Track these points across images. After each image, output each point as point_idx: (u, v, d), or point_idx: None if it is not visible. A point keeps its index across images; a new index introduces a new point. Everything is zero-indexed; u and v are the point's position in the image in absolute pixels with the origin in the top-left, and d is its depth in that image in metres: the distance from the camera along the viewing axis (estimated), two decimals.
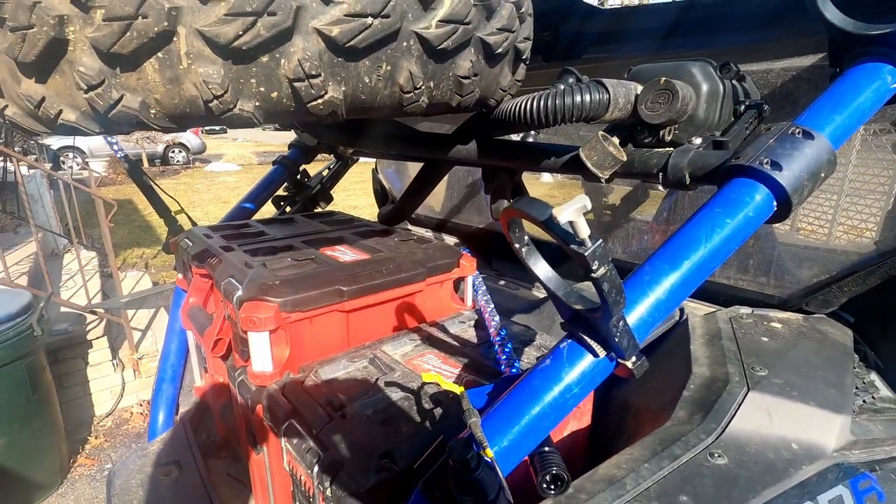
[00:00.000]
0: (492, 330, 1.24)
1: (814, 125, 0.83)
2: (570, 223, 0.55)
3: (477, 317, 1.44)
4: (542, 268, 0.79)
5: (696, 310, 1.48)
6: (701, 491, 0.85)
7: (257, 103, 0.74)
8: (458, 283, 1.56)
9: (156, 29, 0.65)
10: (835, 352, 1.17)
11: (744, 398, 1.01)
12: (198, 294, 1.57)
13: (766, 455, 0.93)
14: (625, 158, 1.00)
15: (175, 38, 0.67)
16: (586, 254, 0.57)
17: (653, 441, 0.97)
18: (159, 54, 0.68)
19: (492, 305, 1.39)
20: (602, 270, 0.58)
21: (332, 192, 2.47)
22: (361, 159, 2.49)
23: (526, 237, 0.78)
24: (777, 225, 1.42)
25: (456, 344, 1.27)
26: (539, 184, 3.66)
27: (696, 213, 0.82)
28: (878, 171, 1.14)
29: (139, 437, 3.88)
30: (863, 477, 0.92)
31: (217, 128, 29.78)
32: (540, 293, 1.88)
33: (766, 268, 1.39)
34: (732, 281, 1.46)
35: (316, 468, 0.89)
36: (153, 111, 0.73)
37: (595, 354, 0.73)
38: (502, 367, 1.08)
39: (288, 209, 2.35)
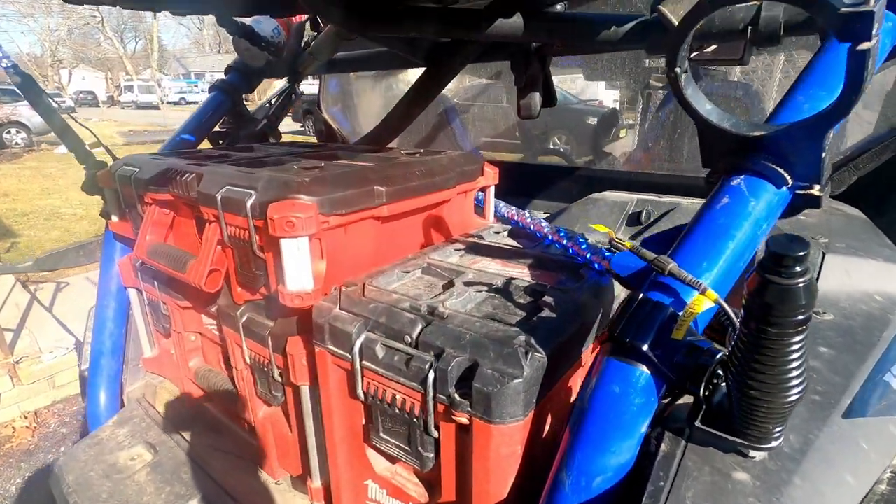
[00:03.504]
0: (546, 230, 1.12)
1: None
2: None
3: (507, 229, 1.30)
4: (700, 98, 0.69)
5: (695, 205, 1.50)
6: (833, 341, 0.82)
7: None
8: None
9: None
10: (863, 223, 1.24)
11: (822, 261, 1.01)
12: (156, 230, 1.24)
13: (860, 307, 0.93)
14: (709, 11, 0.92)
15: None
16: (876, 9, 0.46)
17: None
18: None
19: (525, 211, 1.28)
20: (875, 41, 0.49)
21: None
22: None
23: (687, 61, 0.67)
24: None
25: (507, 248, 1.13)
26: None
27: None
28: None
29: (30, 454, 3.21)
30: None
31: (63, 104, 25.55)
32: (540, 214, 1.79)
33: None
34: None
35: (431, 375, 0.71)
36: None
37: (781, 183, 0.65)
38: (587, 257, 0.97)
39: None
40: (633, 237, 1.51)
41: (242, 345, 1.09)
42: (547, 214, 1.75)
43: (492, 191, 1.37)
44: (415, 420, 0.76)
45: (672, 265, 0.59)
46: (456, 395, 0.69)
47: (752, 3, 0.94)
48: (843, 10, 0.48)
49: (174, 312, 1.32)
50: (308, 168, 1.08)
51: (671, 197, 1.53)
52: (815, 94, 0.71)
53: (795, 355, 0.45)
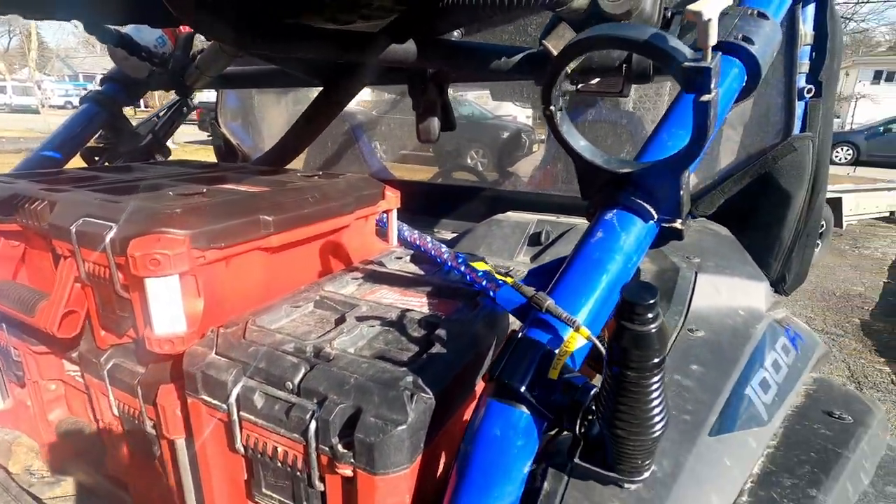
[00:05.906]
0: (445, 256, 1.11)
1: (765, 7, 0.91)
2: (707, 23, 0.48)
3: (410, 253, 1.28)
4: (574, 135, 0.71)
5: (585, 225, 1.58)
6: (704, 358, 0.89)
7: None
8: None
9: None
10: (729, 241, 1.36)
11: (695, 280, 1.10)
12: (1, 264, 1.07)
13: (727, 322, 1.02)
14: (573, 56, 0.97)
15: None
16: (712, 66, 0.50)
17: None
18: None
19: (427, 236, 1.26)
20: (714, 94, 0.52)
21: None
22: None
23: (562, 100, 0.69)
24: None
25: (406, 276, 1.10)
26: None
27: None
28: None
29: None
30: (788, 328, 1.08)
31: None
32: (447, 233, 1.80)
33: None
34: None
35: (313, 425, 0.66)
36: None
37: (648, 218, 0.68)
38: (483, 284, 0.97)
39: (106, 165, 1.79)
40: (533, 257, 1.55)
41: (109, 395, 0.97)
42: (455, 234, 1.76)
43: (394, 214, 1.34)
44: (298, 473, 0.70)
45: (549, 302, 0.60)
46: (339, 446, 0.64)
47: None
48: (686, 64, 0.52)
49: (27, 359, 1.14)
50: (186, 195, 0.99)
51: (569, 217, 1.60)
52: (676, 133, 0.76)
53: (655, 395, 0.47)
